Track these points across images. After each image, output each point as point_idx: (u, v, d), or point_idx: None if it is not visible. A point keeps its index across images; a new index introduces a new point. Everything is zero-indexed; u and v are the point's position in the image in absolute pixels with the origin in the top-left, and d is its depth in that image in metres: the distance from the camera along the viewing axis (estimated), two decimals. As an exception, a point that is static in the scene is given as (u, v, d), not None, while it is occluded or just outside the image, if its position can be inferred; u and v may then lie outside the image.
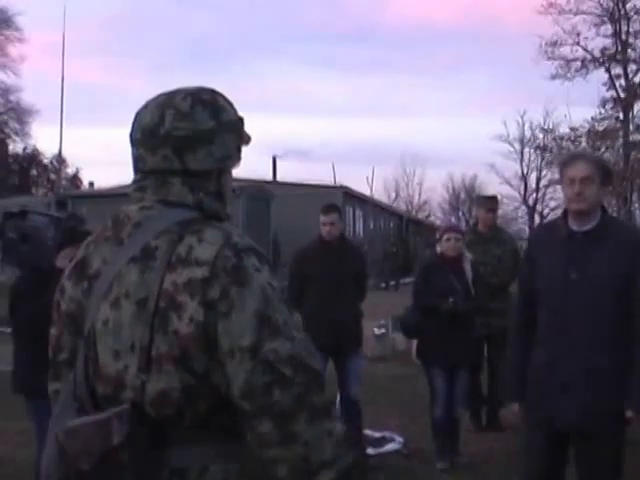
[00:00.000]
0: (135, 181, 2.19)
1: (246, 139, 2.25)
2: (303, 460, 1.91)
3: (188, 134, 2.11)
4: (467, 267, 7.21)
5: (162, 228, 2.05)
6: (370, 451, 7.44)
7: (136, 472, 1.93)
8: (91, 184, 48.91)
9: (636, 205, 39.18)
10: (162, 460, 1.97)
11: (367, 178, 44.41)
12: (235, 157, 2.22)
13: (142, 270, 2.01)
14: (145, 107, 2.18)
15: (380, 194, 58.40)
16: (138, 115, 2.18)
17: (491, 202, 9.22)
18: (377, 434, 8.00)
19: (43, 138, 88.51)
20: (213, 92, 2.21)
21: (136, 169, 2.19)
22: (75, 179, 53.82)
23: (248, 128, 2.26)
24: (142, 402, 1.97)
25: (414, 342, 8.06)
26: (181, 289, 1.96)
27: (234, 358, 1.92)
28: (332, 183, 41.78)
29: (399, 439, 7.92)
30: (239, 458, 2.04)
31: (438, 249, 7.34)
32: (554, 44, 38.25)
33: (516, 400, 4.51)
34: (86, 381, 2.06)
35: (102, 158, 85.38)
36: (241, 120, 2.24)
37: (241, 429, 2.02)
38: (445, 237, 7.22)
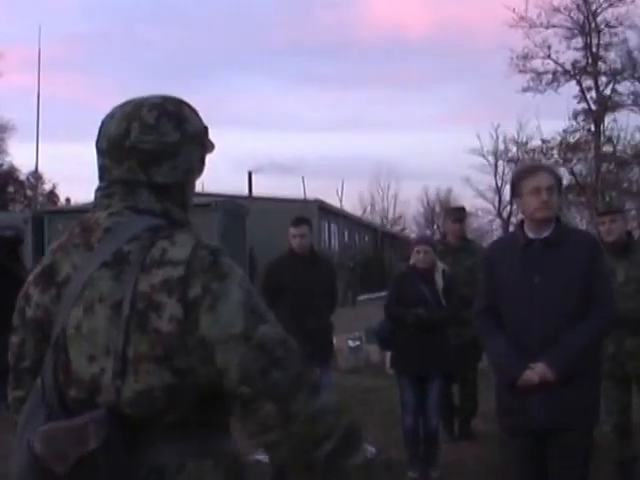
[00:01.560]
0: (101, 188, 2.20)
1: (210, 148, 2.29)
2: (305, 437, 1.96)
3: (153, 147, 2.13)
4: (438, 278, 7.25)
5: (133, 234, 2.06)
6: (343, 461, 7.45)
7: (112, 475, 1.94)
8: (68, 200, 48.77)
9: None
10: (139, 460, 1.99)
11: (337, 190, 44.14)
12: (198, 169, 2.25)
13: (115, 275, 2.02)
14: (111, 117, 2.19)
15: (355, 208, 58.58)
16: (104, 124, 2.20)
17: (456, 213, 9.24)
18: (349, 445, 8.05)
19: (20, 154, 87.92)
20: (179, 102, 2.23)
21: (101, 178, 2.20)
22: (52, 195, 53.61)
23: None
24: (119, 404, 1.97)
25: (388, 354, 8.11)
26: (158, 289, 1.98)
27: (227, 346, 1.96)
28: (306, 197, 41.84)
29: (371, 449, 7.93)
30: (212, 454, 2.07)
31: (411, 261, 7.41)
32: (525, 57, 38.51)
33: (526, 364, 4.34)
34: (55, 387, 2.05)
35: (79, 174, 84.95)
36: (206, 129, 2.26)
37: (221, 423, 2.09)
38: (416, 249, 7.28)
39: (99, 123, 2.22)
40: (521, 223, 4.58)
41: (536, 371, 4.28)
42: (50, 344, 2.08)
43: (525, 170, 4.66)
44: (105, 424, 1.94)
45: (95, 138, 2.22)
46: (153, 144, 2.13)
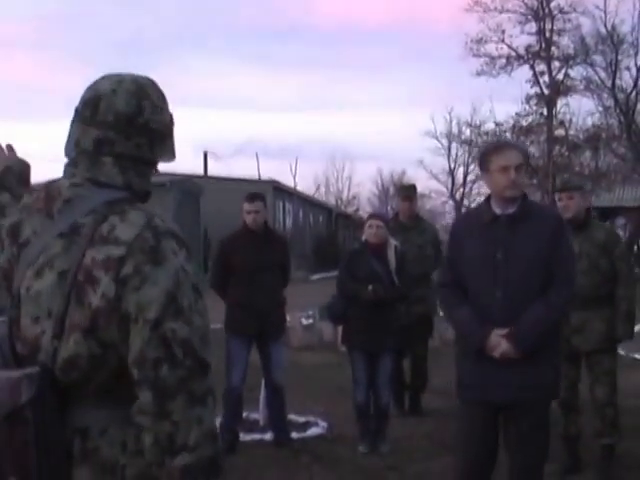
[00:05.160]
0: (69, 157, 2.27)
1: None
2: (168, 437, 2.01)
3: (159, 127, 2.27)
4: (391, 254, 7.28)
5: (90, 207, 2.15)
6: (294, 435, 7.56)
7: (39, 429, 2.05)
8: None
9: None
10: (66, 421, 2.11)
11: (290, 166, 43.75)
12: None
13: (67, 245, 2.13)
14: (113, 91, 2.22)
15: (310, 189, 58.64)
16: (107, 98, 2.22)
17: (406, 190, 9.21)
18: (301, 419, 8.16)
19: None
20: (156, 83, 2.34)
21: (100, 151, 2.22)
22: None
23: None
24: (54, 365, 2.10)
25: (340, 331, 8.17)
26: (98, 265, 2.07)
27: (137, 326, 2.04)
28: (261, 177, 41.78)
29: (323, 424, 8.05)
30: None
31: (363, 237, 7.45)
32: (479, 41, 38.76)
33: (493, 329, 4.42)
34: (10, 339, 2.19)
35: (32, 153, 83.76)
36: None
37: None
38: (368, 224, 7.31)
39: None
40: (488, 198, 4.61)
41: (501, 340, 4.36)
42: (10, 298, 2.22)
43: (494, 147, 4.67)
44: (37, 381, 2.06)
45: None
46: (160, 124, 2.27)
